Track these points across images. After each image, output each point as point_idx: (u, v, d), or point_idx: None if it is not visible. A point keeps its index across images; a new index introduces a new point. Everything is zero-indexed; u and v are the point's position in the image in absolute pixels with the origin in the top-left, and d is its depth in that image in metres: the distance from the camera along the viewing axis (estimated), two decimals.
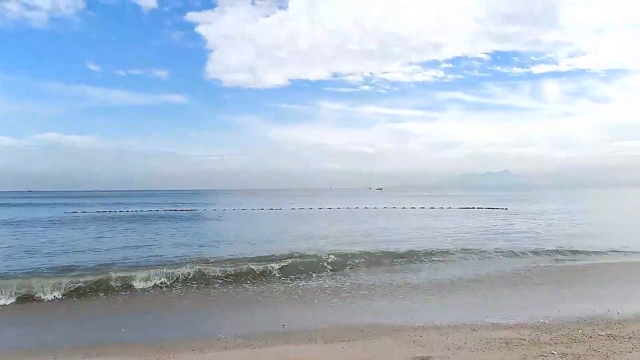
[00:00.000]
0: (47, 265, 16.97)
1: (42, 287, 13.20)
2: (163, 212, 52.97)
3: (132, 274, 14.76)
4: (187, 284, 14.61)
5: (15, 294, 12.84)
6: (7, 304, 12.45)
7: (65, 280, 13.77)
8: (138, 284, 14.14)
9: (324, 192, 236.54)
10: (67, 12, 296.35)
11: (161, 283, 14.38)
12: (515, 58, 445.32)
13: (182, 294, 13.61)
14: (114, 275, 14.51)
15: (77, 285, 13.67)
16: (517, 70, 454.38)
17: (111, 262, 17.75)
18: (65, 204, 76.89)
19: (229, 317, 11.18)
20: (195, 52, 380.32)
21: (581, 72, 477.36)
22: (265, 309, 11.69)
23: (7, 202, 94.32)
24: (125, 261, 18.02)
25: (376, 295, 13.18)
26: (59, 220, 40.87)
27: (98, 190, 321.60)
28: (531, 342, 8.22)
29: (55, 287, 13.32)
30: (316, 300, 12.64)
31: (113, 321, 10.89)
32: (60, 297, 13.13)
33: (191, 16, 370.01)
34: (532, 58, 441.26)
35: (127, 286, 14.04)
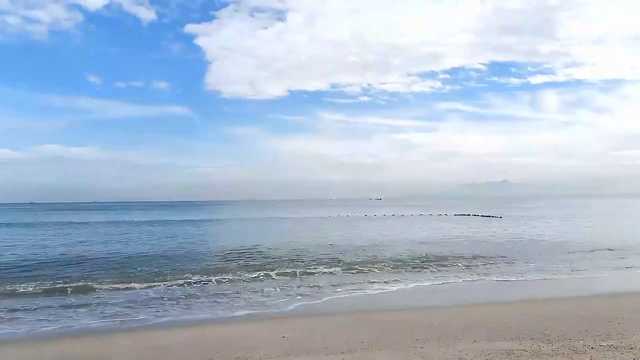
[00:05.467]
0: None
1: None
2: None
3: None
4: None
5: None
6: None
7: None
8: None
9: (326, 202, 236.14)
10: (67, 26, 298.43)
11: None
12: (512, 69, 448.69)
13: None
14: None
15: None
16: (514, 80, 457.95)
17: None
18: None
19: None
20: (195, 63, 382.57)
21: (579, 83, 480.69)
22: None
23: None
24: None
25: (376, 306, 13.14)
26: None
27: (97, 202, 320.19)
28: (532, 353, 8.18)
29: None
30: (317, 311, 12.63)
31: None
32: None
33: (190, 28, 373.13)
34: (529, 69, 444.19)
35: None
